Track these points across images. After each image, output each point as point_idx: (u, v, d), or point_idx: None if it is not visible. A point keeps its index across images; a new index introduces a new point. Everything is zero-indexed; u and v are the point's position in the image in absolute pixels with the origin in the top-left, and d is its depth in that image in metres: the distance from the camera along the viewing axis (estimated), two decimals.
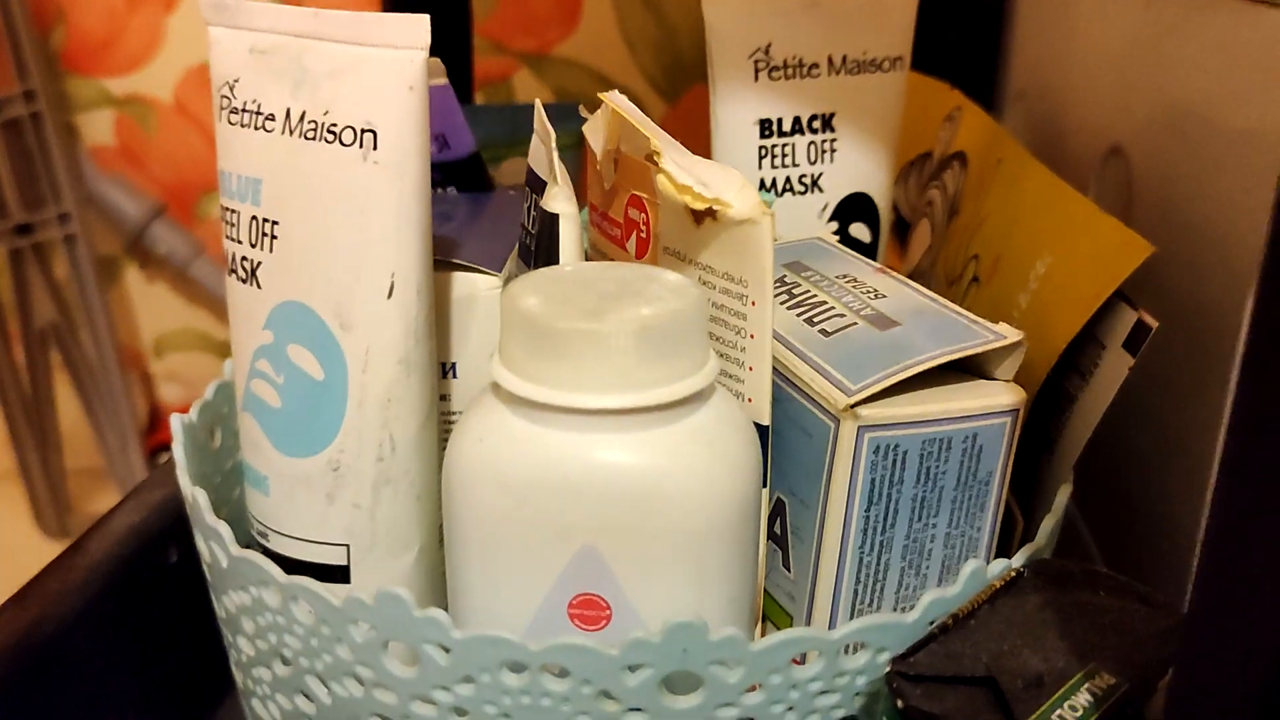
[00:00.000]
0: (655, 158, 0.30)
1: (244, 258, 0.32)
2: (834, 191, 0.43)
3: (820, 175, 0.43)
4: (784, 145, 0.42)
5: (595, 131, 0.34)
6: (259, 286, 0.32)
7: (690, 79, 0.86)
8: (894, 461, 0.29)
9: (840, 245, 0.37)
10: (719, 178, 0.29)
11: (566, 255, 0.29)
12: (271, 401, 0.32)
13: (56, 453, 0.90)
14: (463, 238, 0.36)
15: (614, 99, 0.32)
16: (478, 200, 0.43)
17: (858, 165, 0.43)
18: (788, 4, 0.41)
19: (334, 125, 0.29)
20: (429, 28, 0.28)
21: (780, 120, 0.42)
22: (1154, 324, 0.30)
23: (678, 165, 0.29)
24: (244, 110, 0.31)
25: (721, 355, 0.30)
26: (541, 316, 0.25)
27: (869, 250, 0.44)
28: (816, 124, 0.42)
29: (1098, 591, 0.27)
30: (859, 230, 0.44)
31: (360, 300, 0.30)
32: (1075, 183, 0.37)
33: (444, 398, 0.35)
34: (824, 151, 0.43)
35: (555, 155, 0.29)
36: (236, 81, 0.32)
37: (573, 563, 0.26)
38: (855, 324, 0.31)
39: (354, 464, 0.32)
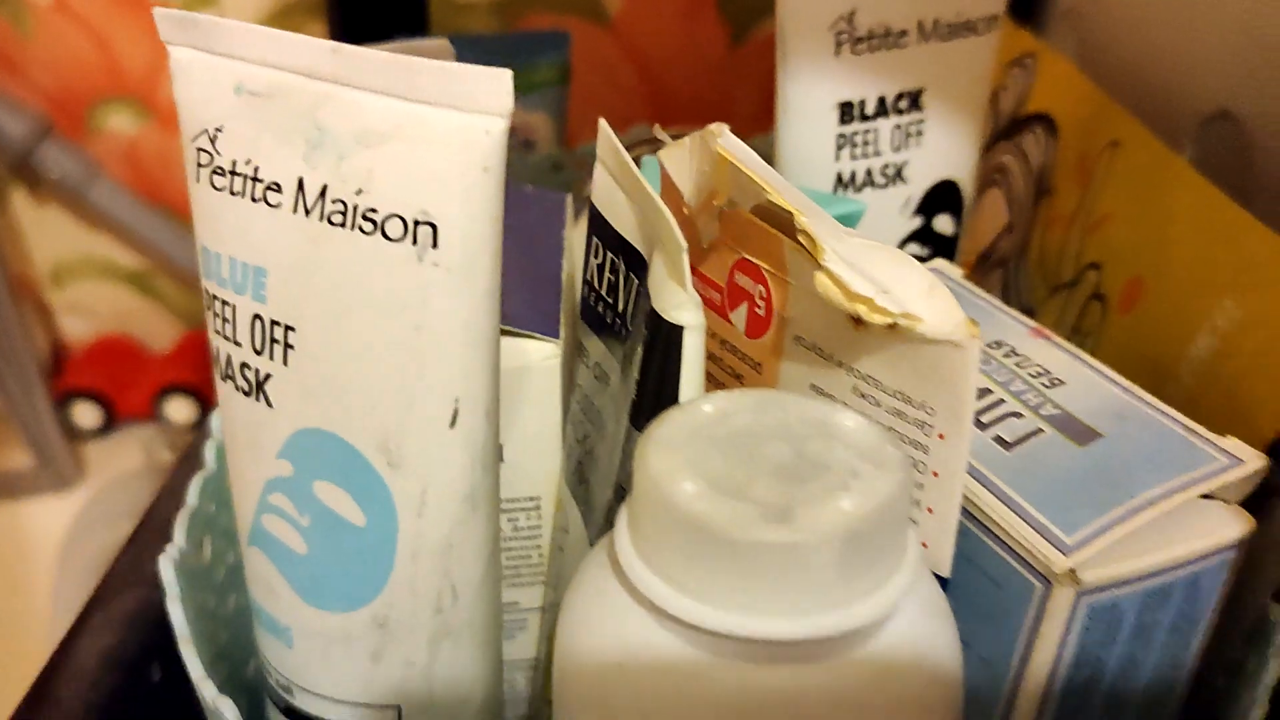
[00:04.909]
0: (804, 240, 0.22)
1: (244, 364, 0.24)
2: (919, 182, 0.36)
3: (904, 164, 0.36)
4: (866, 132, 0.35)
5: (680, 163, 0.27)
6: (269, 404, 0.24)
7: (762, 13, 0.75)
8: (1109, 623, 0.23)
9: (968, 284, 0.31)
10: (896, 276, 0.22)
11: (690, 383, 0.22)
12: (294, 546, 0.25)
13: None
14: None
15: (725, 142, 0.24)
16: None
17: (946, 149, 0.36)
18: None
19: (372, 211, 0.22)
20: (512, 86, 0.20)
21: (863, 102, 0.34)
22: None
23: (841, 260, 0.22)
24: (233, 173, 0.23)
25: None
26: (714, 521, 0.18)
27: (951, 245, 0.38)
28: (903, 103, 0.35)
29: None
30: (943, 223, 0.37)
31: (414, 433, 0.23)
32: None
33: None
34: (909, 136, 0.35)
35: (685, 255, 0.21)
36: (219, 132, 0.23)
37: None
38: (1041, 431, 0.25)
39: (406, 619, 0.25)
